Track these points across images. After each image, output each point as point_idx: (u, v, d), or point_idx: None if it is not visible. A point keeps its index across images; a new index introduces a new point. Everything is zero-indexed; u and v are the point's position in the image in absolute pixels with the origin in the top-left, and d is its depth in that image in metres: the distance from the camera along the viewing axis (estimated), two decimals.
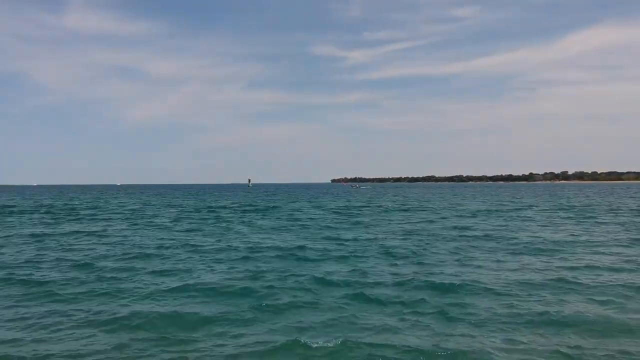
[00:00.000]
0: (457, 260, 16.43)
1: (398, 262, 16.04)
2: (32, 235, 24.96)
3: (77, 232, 26.36)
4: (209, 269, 15.17)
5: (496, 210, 42.27)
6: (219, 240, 22.33)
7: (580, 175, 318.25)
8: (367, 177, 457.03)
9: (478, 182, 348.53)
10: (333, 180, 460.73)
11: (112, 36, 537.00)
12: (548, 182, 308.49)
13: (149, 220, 34.74)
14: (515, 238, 22.19)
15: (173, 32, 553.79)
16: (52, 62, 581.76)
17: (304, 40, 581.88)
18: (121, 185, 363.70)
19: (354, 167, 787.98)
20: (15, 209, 47.74)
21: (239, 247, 19.93)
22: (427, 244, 20.61)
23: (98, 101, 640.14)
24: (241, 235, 24.60)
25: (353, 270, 14.61)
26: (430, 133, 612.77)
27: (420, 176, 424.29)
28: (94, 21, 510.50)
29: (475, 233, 24.54)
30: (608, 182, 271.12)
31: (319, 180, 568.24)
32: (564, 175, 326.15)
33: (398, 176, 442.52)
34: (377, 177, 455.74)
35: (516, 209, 43.76)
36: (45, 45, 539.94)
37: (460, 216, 36.54)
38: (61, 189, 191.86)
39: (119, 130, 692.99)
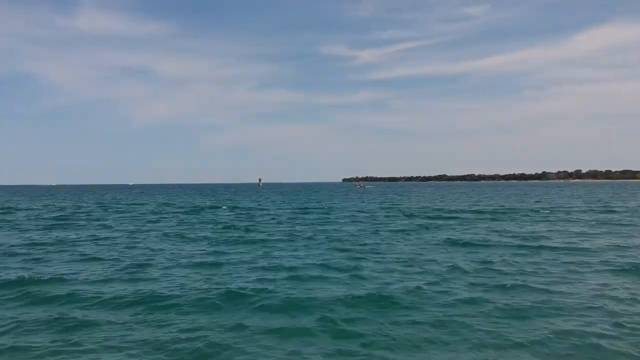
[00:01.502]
0: None
1: None
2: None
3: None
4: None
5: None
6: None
7: (593, 174, 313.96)
8: (378, 176, 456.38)
9: (491, 181, 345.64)
10: (344, 180, 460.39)
11: (122, 37, 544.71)
12: (561, 180, 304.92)
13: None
14: None
15: (183, 32, 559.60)
16: (63, 63, 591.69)
17: (314, 40, 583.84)
18: (133, 185, 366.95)
19: (365, 167, 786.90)
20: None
21: None
22: None
23: (108, 101, 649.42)
24: None
25: None
26: (440, 132, 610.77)
27: (432, 175, 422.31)
28: (104, 22, 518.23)
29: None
30: (622, 180, 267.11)
31: (330, 180, 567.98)
32: (578, 174, 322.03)
33: (409, 175, 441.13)
34: (388, 176, 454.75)
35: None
36: (57, 46, 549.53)
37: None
38: (90, 190, 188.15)
39: (129, 131, 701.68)
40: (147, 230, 27.55)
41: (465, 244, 19.94)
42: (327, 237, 23.13)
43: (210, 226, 30.06)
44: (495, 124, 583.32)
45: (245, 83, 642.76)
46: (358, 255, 17.46)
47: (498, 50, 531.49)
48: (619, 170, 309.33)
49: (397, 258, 16.74)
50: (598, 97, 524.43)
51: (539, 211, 39.46)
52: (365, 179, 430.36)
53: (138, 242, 21.96)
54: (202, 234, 25.61)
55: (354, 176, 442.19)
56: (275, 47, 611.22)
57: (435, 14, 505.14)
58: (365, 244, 20.42)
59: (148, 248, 19.99)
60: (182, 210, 47.53)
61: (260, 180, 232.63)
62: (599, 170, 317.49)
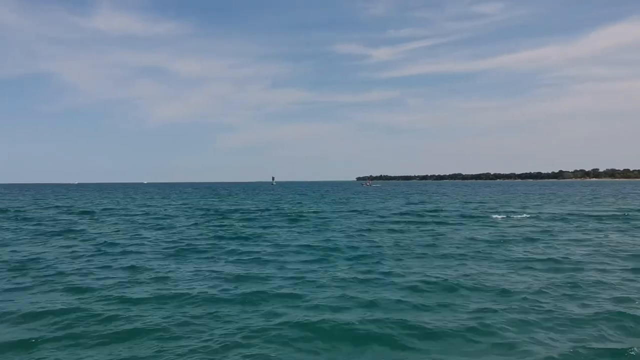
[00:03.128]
0: None
1: None
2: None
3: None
4: None
5: None
6: None
7: (611, 173, 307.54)
8: (392, 175, 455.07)
9: (506, 180, 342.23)
10: (358, 179, 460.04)
11: (138, 37, 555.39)
12: (579, 179, 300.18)
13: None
14: None
15: (198, 32, 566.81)
16: (80, 63, 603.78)
17: (328, 39, 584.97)
18: (148, 184, 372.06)
19: (379, 165, 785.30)
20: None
21: None
22: None
23: (124, 101, 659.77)
24: None
25: None
26: (455, 130, 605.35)
27: (447, 174, 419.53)
28: (121, 22, 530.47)
29: None
30: None
31: (343, 179, 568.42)
32: (595, 173, 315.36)
33: (424, 174, 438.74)
34: (402, 175, 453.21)
35: None
36: (74, 46, 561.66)
37: None
38: (114, 188, 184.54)
39: (144, 130, 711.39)
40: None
41: None
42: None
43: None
44: (510, 122, 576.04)
45: (260, 82, 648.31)
46: None
47: (513, 48, 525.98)
48: (637, 169, 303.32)
49: None
50: (615, 94, 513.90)
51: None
52: (380, 177, 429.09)
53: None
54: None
55: (368, 175, 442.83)
56: (290, 46, 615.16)
57: (448, 12, 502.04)
58: None
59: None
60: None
61: (273, 179, 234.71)
62: (617, 169, 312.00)
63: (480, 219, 30.47)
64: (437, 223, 27.93)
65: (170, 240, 20.88)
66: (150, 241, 20.45)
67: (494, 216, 31.64)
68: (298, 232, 23.85)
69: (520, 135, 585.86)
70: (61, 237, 22.44)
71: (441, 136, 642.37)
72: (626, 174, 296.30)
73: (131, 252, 17.45)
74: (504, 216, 31.83)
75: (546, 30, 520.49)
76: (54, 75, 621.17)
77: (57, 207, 47.49)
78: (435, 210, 37.79)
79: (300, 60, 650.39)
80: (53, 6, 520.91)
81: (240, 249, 18.19)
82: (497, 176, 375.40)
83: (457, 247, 18.05)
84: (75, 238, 21.81)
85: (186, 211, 40.58)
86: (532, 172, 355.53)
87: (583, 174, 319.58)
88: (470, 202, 50.52)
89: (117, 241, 20.17)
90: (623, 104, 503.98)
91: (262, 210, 40.17)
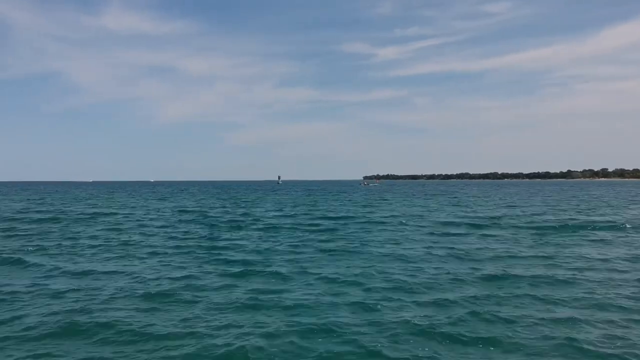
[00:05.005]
0: None
1: None
2: None
3: None
4: None
5: None
6: None
7: (621, 173, 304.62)
8: (399, 174, 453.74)
9: (514, 180, 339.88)
10: (365, 177, 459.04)
11: (147, 36, 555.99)
12: (587, 179, 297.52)
13: None
14: None
15: (205, 31, 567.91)
16: (89, 62, 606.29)
17: (334, 38, 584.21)
18: (155, 182, 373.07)
19: (386, 164, 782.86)
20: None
21: None
22: None
23: (132, 100, 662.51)
24: None
25: None
26: (462, 130, 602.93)
27: (454, 173, 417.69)
28: (129, 22, 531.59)
29: None
30: None
31: (350, 178, 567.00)
32: (604, 173, 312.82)
33: (431, 173, 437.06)
34: (409, 174, 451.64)
35: None
36: (82, 45, 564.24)
37: None
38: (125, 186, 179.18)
39: (152, 128, 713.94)
40: None
41: None
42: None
43: None
44: (517, 121, 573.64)
45: (267, 81, 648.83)
46: None
47: (520, 47, 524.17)
48: None
49: None
50: (623, 94, 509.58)
51: None
52: (386, 177, 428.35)
53: None
54: None
55: (375, 174, 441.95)
56: (296, 45, 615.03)
57: (455, 11, 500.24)
58: None
59: None
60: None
61: (279, 178, 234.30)
62: (626, 169, 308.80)
63: (580, 229, 23.84)
64: (536, 235, 21.96)
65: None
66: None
67: (597, 231, 23.18)
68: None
69: (527, 134, 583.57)
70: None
71: (448, 135, 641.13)
72: (636, 173, 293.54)
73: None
74: (608, 225, 25.26)
75: (553, 29, 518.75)
76: (63, 74, 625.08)
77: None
78: (496, 217, 30.26)
79: (306, 60, 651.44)
80: (62, 5, 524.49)
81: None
82: (504, 175, 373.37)
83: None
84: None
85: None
86: (540, 171, 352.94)
87: (592, 173, 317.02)
88: (515, 206, 43.11)
89: None
90: (631, 103, 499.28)
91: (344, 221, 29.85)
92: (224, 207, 45.57)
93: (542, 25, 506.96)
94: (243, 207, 44.29)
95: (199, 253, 17.47)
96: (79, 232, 24.17)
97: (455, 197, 63.40)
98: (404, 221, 28.75)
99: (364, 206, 45.18)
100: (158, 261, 15.88)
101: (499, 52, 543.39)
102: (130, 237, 22.22)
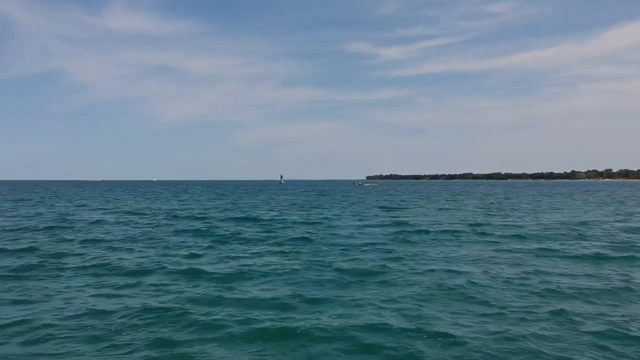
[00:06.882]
0: None
1: None
2: None
3: None
4: None
5: None
6: None
7: (625, 173, 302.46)
8: (402, 174, 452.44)
9: (518, 180, 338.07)
10: (367, 177, 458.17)
11: (150, 35, 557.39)
12: (591, 180, 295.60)
13: None
14: None
15: (209, 31, 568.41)
16: (93, 61, 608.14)
17: (338, 37, 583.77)
18: (157, 181, 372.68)
19: (389, 164, 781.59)
20: None
21: None
22: None
23: (136, 100, 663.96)
24: None
25: None
26: (465, 130, 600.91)
27: (457, 173, 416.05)
28: (133, 21, 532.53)
29: None
30: None
31: (353, 177, 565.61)
32: (608, 173, 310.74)
33: (434, 173, 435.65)
34: (412, 174, 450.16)
35: None
36: (86, 45, 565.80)
37: None
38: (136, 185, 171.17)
39: (154, 128, 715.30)
40: None
41: None
42: None
43: None
44: (521, 121, 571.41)
45: (270, 81, 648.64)
46: None
47: (524, 47, 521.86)
48: None
49: None
50: (626, 94, 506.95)
51: None
52: (389, 177, 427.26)
53: None
54: None
55: (378, 174, 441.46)
56: (300, 45, 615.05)
57: (459, 11, 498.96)
58: None
59: None
60: None
61: (281, 177, 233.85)
62: (631, 169, 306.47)
63: None
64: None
65: None
66: None
67: None
68: None
69: (530, 134, 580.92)
70: None
71: (451, 135, 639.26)
72: None
73: None
74: None
75: (557, 29, 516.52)
76: (66, 73, 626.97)
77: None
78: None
79: (310, 59, 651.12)
80: (65, 4, 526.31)
81: None
82: (508, 176, 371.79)
83: None
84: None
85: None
86: (544, 172, 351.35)
87: (596, 174, 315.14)
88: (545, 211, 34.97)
89: None
90: (633, 103, 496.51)
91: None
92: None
93: (546, 25, 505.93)
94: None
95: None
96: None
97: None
98: None
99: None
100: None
101: (503, 52, 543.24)
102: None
